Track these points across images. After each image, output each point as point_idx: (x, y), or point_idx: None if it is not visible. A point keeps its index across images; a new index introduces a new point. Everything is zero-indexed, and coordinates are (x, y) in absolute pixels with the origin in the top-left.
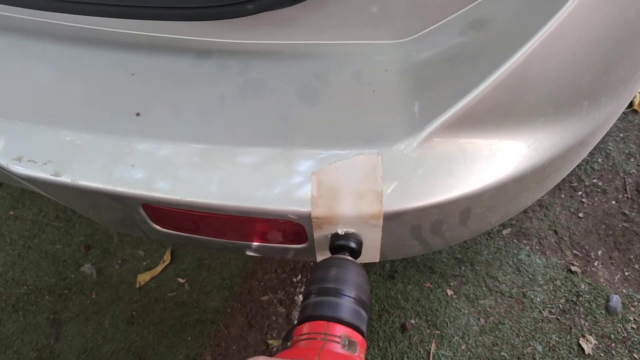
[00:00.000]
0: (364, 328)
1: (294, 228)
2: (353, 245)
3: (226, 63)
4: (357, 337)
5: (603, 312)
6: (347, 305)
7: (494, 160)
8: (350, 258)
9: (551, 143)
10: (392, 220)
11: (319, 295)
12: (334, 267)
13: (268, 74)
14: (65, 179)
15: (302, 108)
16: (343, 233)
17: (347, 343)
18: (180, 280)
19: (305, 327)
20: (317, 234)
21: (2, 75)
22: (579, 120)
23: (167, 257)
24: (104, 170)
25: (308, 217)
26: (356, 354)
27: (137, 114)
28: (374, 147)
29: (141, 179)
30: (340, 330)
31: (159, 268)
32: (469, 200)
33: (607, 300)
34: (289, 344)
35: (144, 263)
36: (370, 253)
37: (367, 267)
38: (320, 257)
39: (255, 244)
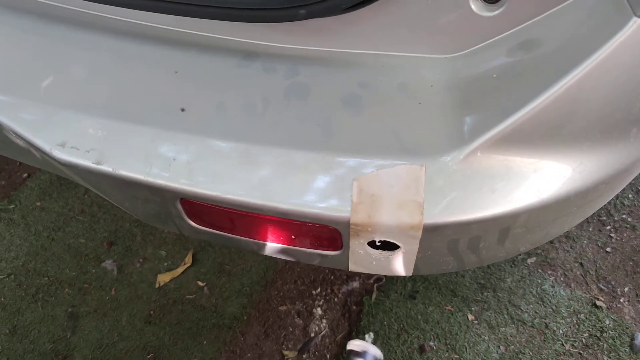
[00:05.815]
0: None
1: (331, 233)
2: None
3: (273, 66)
4: None
5: (627, 350)
6: None
7: (538, 180)
8: None
9: (597, 168)
10: (431, 232)
11: None
12: None
13: (314, 80)
14: (106, 167)
15: (346, 115)
16: (380, 242)
17: None
18: (200, 283)
19: None
20: (354, 241)
21: (51, 64)
22: (626, 146)
23: (188, 260)
24: (145, 162)
25: (346, 223)
26: None
27: (182, 110)
28: (417, 159)
29: (181, 173)
30: None
31: (180, 270)
32: (511, 218)
33: (632, 339)
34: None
35: (165, 264)
36: (405, 265)
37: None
38: (352, 267)
39: (288, 247)
